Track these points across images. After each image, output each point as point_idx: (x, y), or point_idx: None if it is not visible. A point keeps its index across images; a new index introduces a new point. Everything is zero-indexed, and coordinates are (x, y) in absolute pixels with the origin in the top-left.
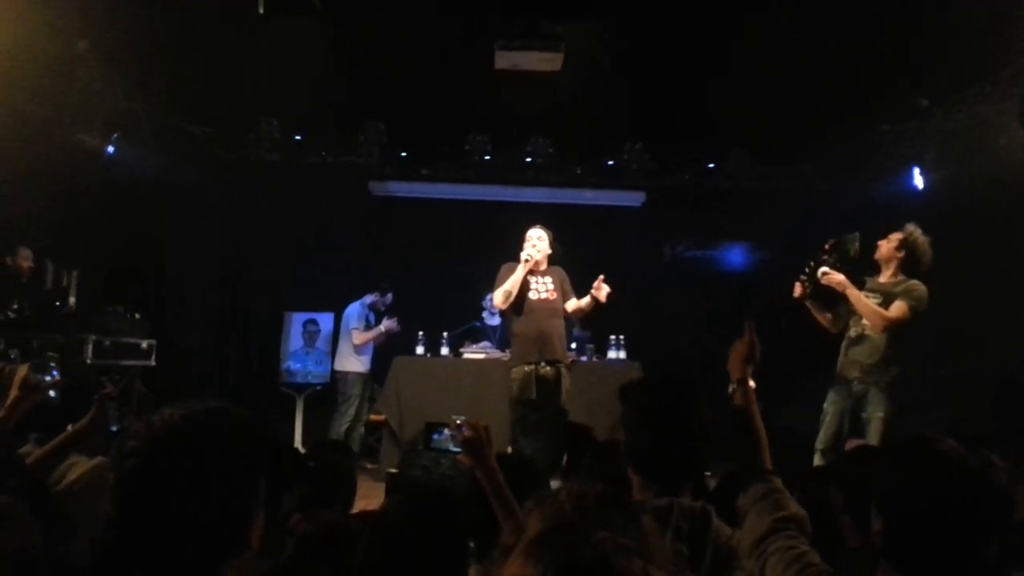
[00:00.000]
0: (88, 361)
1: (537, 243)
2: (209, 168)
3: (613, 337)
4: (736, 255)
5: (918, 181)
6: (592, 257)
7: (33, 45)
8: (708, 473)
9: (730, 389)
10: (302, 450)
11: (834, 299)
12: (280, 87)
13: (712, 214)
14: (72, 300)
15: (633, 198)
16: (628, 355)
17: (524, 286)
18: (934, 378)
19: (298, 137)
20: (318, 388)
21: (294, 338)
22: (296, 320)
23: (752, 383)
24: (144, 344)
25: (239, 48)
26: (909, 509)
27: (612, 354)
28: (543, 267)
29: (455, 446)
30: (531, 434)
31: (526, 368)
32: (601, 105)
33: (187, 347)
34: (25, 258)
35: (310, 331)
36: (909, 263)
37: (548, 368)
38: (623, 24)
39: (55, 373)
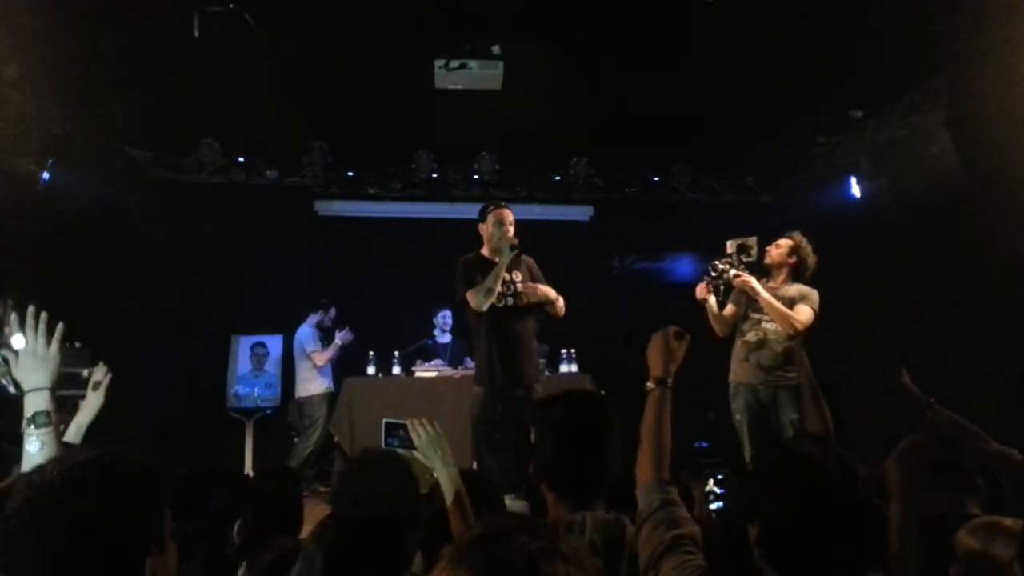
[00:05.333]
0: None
1: (509, 228)
2: (151, 192)
3: (564, 351)
4: (683, 266)
5: (855, 190)
6: (542, 271)
7: None
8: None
9: (648, 386)
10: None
11: (724, 302)
12: (222, 109)
13: (658, 227)
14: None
15: (581, 212)
16: (580, 368)
17: None
18: (859, 383)
19: (241, 159)
20: (267, 412)
21: (242, 362)
22: (244, 343)
23: (671, 382)
24: (85, 373)
25: (179, 70)
26: (779, 514)
27: (564, 367)
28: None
29: (413, 447)
30: (496, 453)
31: (490, 389)
32: (546, 121)
33: (132, 375)
34: None
35: (258, 354)
36: (797, 268)
37: (519, 391)
38: (563, 42)
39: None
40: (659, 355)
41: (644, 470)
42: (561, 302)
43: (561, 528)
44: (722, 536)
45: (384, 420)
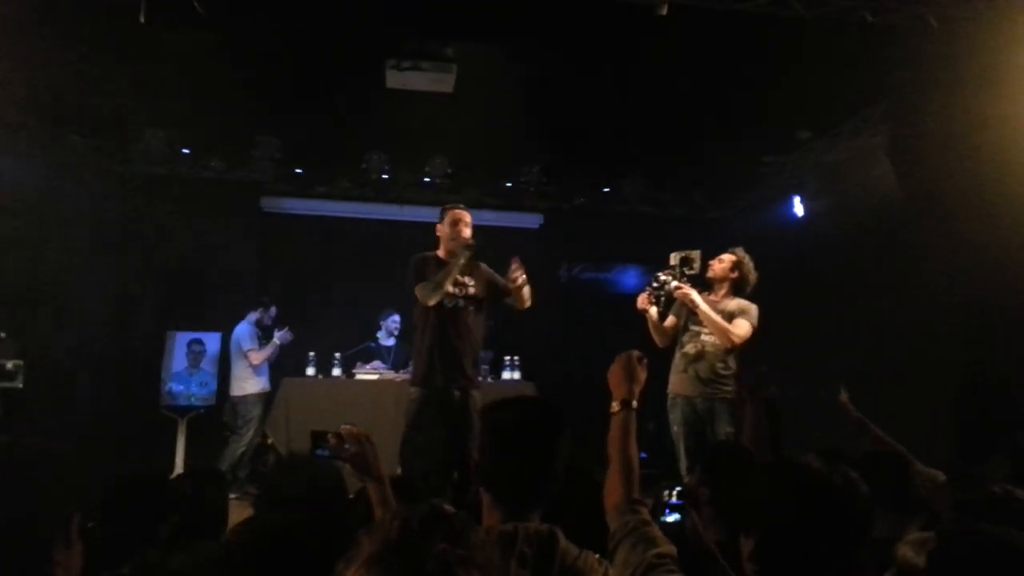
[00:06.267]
0: None
1: (464, 228)
2: (91, 180)
3: (508, 358)
4: (631, 277)
5: (798, 209)
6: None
7: None
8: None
9: (612, 408)
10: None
11: (666, 314)
12: (168, 98)
13: (608, 237)
14: None
15: (531, 220)
16: (523, 376)
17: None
18: (797, 398)
19: (186, 151)
20: (201, 411)
21: (177, 359)
22: (180, 340)
23: (635, 404)
24: (10, 364)
25: (123, 56)
26: (779, 528)
27: (507, 375)
28: (462, 261)
29: (341, 457)
30: (420, 456)
31: (426, 391)
32: (500, 127)
33: (62, 368)
34: None
35: (195, 351)
36: (739, 283)
37: (456, 392)
38: (519, 48)
39: None
40: (623, 378)
41: (614, 491)
42: (528, 291)
43: (492, 537)
44: (694, 551)
45: (311, 430)
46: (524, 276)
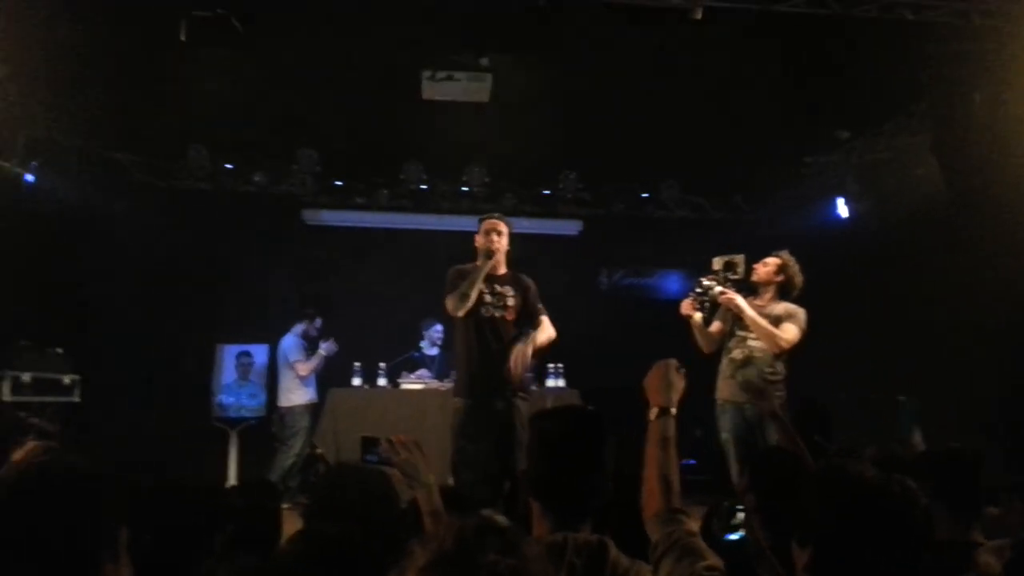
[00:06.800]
0: (5, 398)
1: (496, 237)
2: (137, 197)
3: (552, 365)
4: (672, 283)
5: (842, 210)
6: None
7: None
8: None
9: (651, 415)
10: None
11: (710, 319)
12: (210, 114)
13: (647, 243)
14: None
15: (569, 227)
16: (567, 383)
17: (477, 296)
18: (846, 400)
19: (229, 165)
20: (252, 422)
21: (227, 371)
22: (229, 352)
23: (674, 412)
24: (67, 380)
25: (167, 74)
26: (837, 539)
27: (551, 382)
28: (501, 270)
29: (391, 464)
30: (471, 467)
31: (470, 402)
32: (536, 135)
33: (115, 382)
34: None
35: (244, 363)
36: (785, 287)
37: (499, 403)
38: (553, 56)
39: None
40: (660, 386)
41: (653, 501)
42: (552, 333)
43: (541, 547)
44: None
45: (361, 436)
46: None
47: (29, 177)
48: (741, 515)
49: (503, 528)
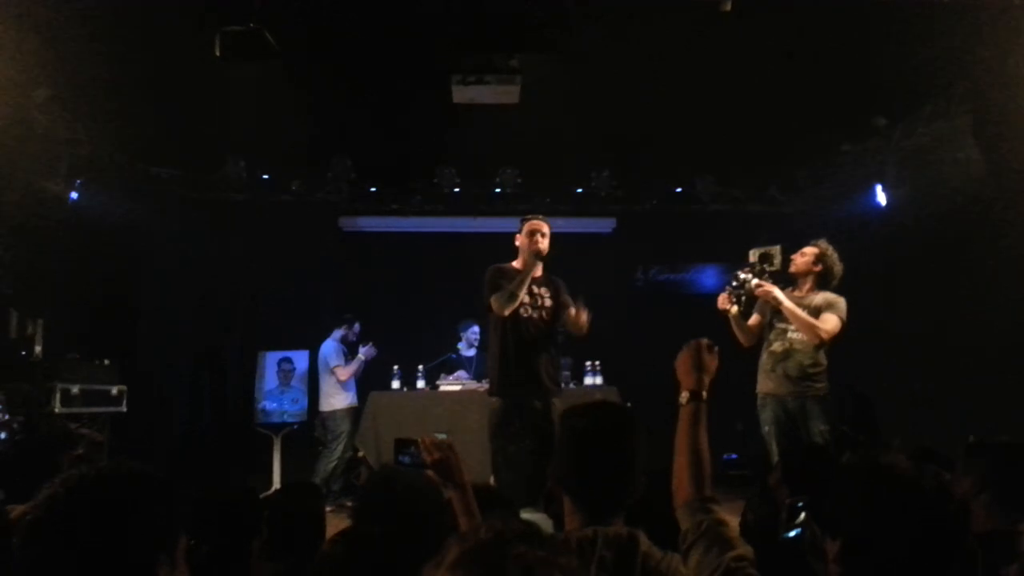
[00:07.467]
0: (56, 410)
1: (540, 238)
2: (177, 210)
3: (589, 363)
4: (709, 277)
5: (881, 198)
6: (566, 284)
7: None
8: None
9: (681, 399)
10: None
11: (748, 312)
12: (245, 126)
13: (682, 238)
14: (38, 349)
15: (603, 225)
16: (605, 380)
17: None
18: (888, 390)
19: (266, 176)
20: (295, 427)
21: (269, 377)
22: (270, 359)
23: (705, 395)
24: (114, 390)
25: (202, 89)
26: (866, 531)
27: (589, 380)
28: (538, 272)
29: (424, 465)
30: (512, 466)
31: (508, 401)
32: (567, 134)
33: (160, 391)
34: None
35: (285, 370)
36: (824, 277)
37: (536, 402)
38: (581, 54)
39: (4, 415)
40: (690, 367)
41: (683, 488)
42: (585, 322)
43: (571, 542)
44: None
45: (395, 438)
46: (586, 315)
47: (74, 195)
48: (804, 514)
49: (530, 523)
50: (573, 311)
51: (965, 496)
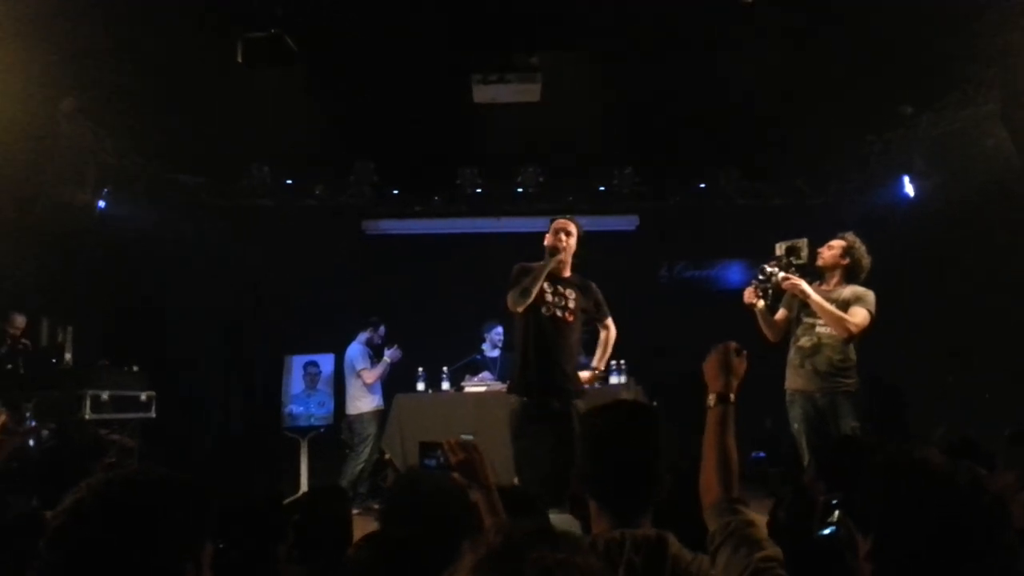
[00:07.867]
0: (86, 416)
1: (563, 237)
2: (203, 217)
3: (614, 362)
4: (734, 273)
5: (909, 189)
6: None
7: (12, 106)
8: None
9: (709, 401)
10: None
11: (775, 307)
12: (268, 133)
13: (707, 233)
14: (68, 356)
15: (627, 222)
16: (630, 380)
17: (538, 294)
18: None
19: (289, 181)
20: (321, 430)
21: (295, 381)
22: (296, 363)
23: (733, 398)
24: (143, 396)
25: (224, 97)
26: (901, 528)
27: (614, 379)
28: (566, 272)
29: (450, 467)
30: (535, 466)
31: (526, 400)
32: (588, 131)
33: (188, 397)
34: (15, 325)
35: (311, 373)
36: (852, 270)
37: (555, 402)
38: (602, 50)
39: (32, 422)
40: (719, 370)
41: (711, 489)
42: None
43: (599, 546)
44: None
45: (419, 441)
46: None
47: (101, 204)
48: (838, 511)
49: (550, 526)
50: (587, 374)
51: (1009, 490)
